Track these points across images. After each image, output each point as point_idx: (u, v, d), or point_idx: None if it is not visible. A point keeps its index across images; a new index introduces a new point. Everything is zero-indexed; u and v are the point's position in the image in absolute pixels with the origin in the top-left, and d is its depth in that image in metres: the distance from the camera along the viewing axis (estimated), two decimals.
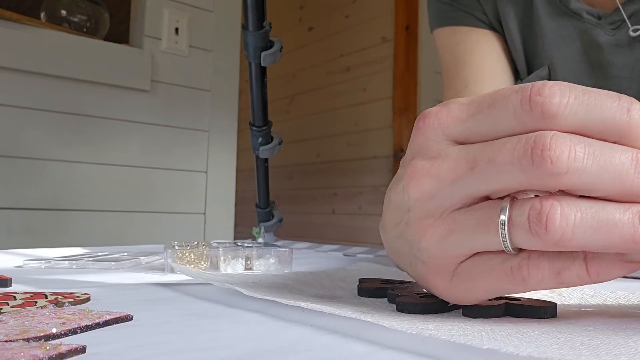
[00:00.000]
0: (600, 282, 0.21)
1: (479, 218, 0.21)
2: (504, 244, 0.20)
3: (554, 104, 0.19)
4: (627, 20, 0.52)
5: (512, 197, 0.20)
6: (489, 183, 0.20)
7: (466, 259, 0.22)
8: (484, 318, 0.23)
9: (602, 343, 0.18)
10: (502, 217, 0.20)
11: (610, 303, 0.28)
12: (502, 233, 0.20)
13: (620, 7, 0.52)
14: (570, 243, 0.19)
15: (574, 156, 0.19)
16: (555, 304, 0.24)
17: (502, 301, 0.25)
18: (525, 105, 0.20)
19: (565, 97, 0.19)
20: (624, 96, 0.20)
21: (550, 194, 0.20)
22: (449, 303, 0.24)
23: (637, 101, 0.20)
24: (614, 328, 0.21)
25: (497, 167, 0.20)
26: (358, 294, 0.30)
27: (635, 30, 0.52)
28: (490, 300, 0.25)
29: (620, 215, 0.19)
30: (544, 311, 0.24)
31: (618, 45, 0.53)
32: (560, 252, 0.20)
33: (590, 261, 0.20)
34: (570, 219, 0.19)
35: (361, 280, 0.32)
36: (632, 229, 0.19)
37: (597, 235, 0.19)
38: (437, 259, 0.23)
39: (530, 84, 0.20)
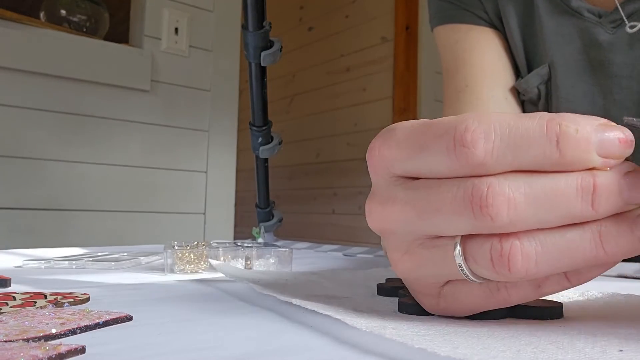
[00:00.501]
0: (582, 284, 0.21)
1: (437, 254, 0.21)
2: (468, 278, 0.21)
3: (478, 154, 0.19)
4: (625, 20, 0.52)
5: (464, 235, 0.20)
6: (439, 229, 0.20)
7: (446, 284, 0.22)
8: (486, 319, 0.23)
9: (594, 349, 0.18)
10: (457, 255, 0.20)
11: (622, 304, 0.27)
12: (460, 269, 0.20)
13: (619, 6, 0.52)
14: (537, 275, 0.19)
15: (514, 207, 0.18)
16: (561, 304, 0.24)
17: None
18: (451, 154, 0.19)
19: (490, 142, 0.19)
20: (552, 123, 0.19)
21: None
22: None
23: (567, 120, 0.19)
24: (616, 334, 0.21)
25: (443, 217, 0.20)
26: (377, 293, 0.30)
27: (632, 27, 0.52)
28: None
29: (580, 237, 0.19)
30: (549, 312, 0.23)
31: (618, 43, 0.53)
32: None
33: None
34: (532, 256, 0.19)
35: (387, 280, 0.32)
36: (595, 250, 0.19)
37: (561, 262, 0.19)
38: (417, 285, 0.23)
39: (454, 125, 0.19)
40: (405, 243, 0.22)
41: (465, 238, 0.20)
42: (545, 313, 0.23)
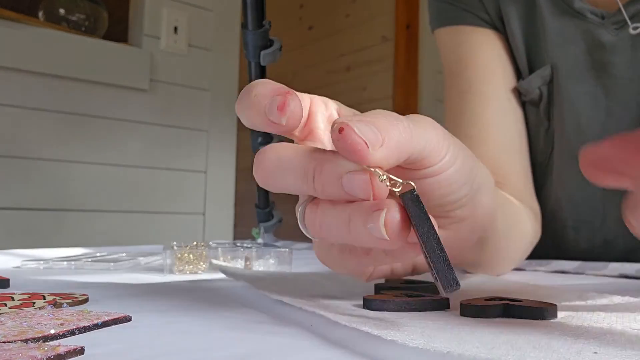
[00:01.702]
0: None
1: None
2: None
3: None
4: (628, 21, 0.52)
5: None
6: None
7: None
8: (481, 318, 0.24)
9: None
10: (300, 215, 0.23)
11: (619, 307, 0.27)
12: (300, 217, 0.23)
13: (621, 7, 0.52)
14: (323, 237, 0.23)
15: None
16: (555, 305, 0.24)
17: (502, 302, 0.25)
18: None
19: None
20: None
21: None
22: (425, 303, 0.26)
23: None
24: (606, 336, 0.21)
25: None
26: (375, 293, 0.30)
27: (635, 28, 0.52)
28: (488, 300, 0.25)
29: (340, 214, 0.21)
30: (543, 312, 0.24)
31: (621, 45, 0.53)
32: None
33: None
34: (316, 222, 0.22)
35: (387, 280, 0.33)
36: (345, 228, 0.21)
37: (337, 232, 0.22)
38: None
39: None
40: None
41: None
42: (539, 313, 0.24)
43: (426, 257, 0.20)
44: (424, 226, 0.20)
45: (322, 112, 0.26)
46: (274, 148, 0.23)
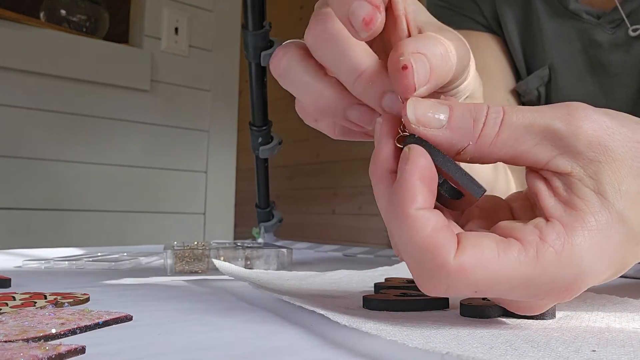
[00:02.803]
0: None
1: None
2: None
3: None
4: (625, 19, 0.52)
5: None
6: None
7: None
8: (480, 318, 0.24)
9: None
10: None
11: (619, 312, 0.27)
12: None
13: (618, 5, 0.53)
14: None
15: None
16: (554, 305, 0.24)
17: None
18: None
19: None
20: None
21: None
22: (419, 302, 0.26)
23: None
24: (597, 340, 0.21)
25: None
26: (374, 292, 0.30)
27: (635, 30, 0.52)
28: (487, 300, 0.25)
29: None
30: (542, 313, 0.24)
31: (617, 44, 0.53)
32: None
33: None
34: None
35: (387, 279, 0.33)
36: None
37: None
38: None
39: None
40: None
41: None
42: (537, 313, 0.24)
43: (450, 180, 0.22)
44: (438, 156, 0.21)
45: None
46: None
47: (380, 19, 0.22)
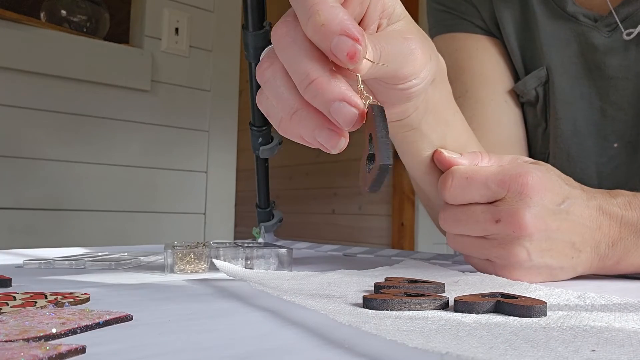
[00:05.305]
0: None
1: None
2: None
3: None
4: (619, 24, 0.53)
5: None
6: None
7: None
8: (473, 313, 0.25)
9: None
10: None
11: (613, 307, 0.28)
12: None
13: (612, 10, 0.53)
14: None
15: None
16: (545, 303, 0.25)
17: (496, 298, 0.26)
18: None
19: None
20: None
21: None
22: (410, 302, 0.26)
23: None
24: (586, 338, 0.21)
25: None
26: (374, 292, 0.31)
27: (628, 34, 0.52)
28: (484, 296, 0.25)
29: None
30: (531, 310, 0.24)
31: (614, 47, 0.54)
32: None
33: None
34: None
35: (386, 279, 0.33)
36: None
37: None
38: None
39: None
40: None
41: None
42: (526, 311, 0.24)
43: (375, 143, 0.25)
44: (382, 117, 0.25)
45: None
46: None
47: (363, 50, 0.25)
